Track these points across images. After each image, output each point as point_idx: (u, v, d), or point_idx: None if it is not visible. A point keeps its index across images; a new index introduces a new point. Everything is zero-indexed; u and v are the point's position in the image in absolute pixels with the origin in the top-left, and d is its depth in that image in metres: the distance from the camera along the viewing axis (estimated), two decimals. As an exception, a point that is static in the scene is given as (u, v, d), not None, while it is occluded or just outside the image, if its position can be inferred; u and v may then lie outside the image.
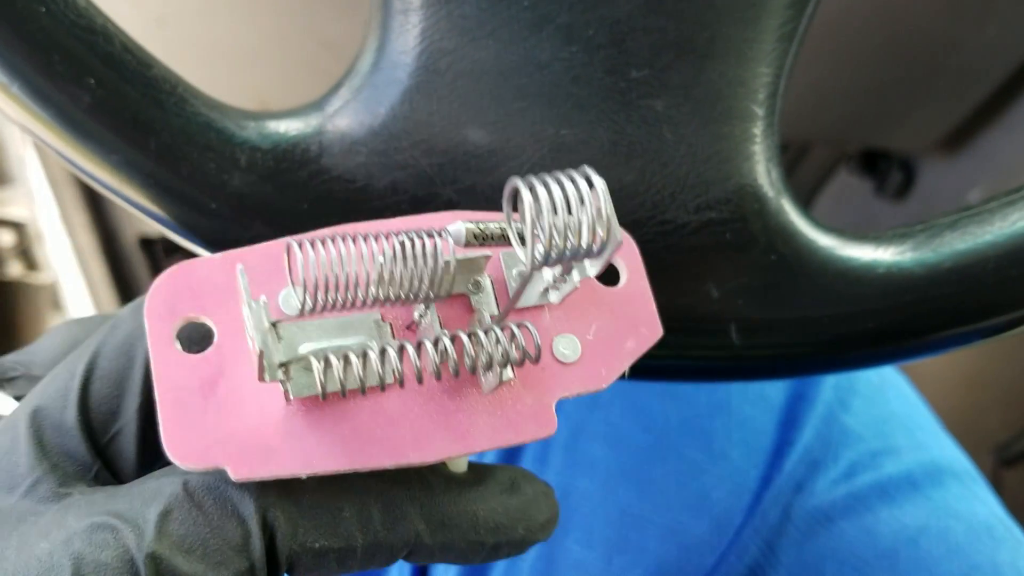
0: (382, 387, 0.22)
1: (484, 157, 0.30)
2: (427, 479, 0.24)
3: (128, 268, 0.86)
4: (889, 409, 0.46)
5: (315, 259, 0.20)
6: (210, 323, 0.23)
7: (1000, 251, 0.30)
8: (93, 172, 0.29)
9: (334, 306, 0.21)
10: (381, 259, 0.21)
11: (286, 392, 0.22)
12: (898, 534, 0.41)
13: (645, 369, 0.32)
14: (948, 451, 0.46)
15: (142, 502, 0.22)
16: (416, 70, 0.29)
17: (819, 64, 0.64)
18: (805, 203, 0.88)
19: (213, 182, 0.29)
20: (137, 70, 0.28)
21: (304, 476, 0.22)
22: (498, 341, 0.22)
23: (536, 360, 0.23)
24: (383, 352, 0.22)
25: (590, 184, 0.20)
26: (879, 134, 0.74)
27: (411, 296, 0.22)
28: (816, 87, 0.66)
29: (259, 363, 0.21)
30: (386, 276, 0.21)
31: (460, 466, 0.26)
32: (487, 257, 0.24)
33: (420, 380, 0.22)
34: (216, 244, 0.29)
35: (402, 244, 0.21)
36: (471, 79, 0.29)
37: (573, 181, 0.20)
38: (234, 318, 0.23)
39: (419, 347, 0.22)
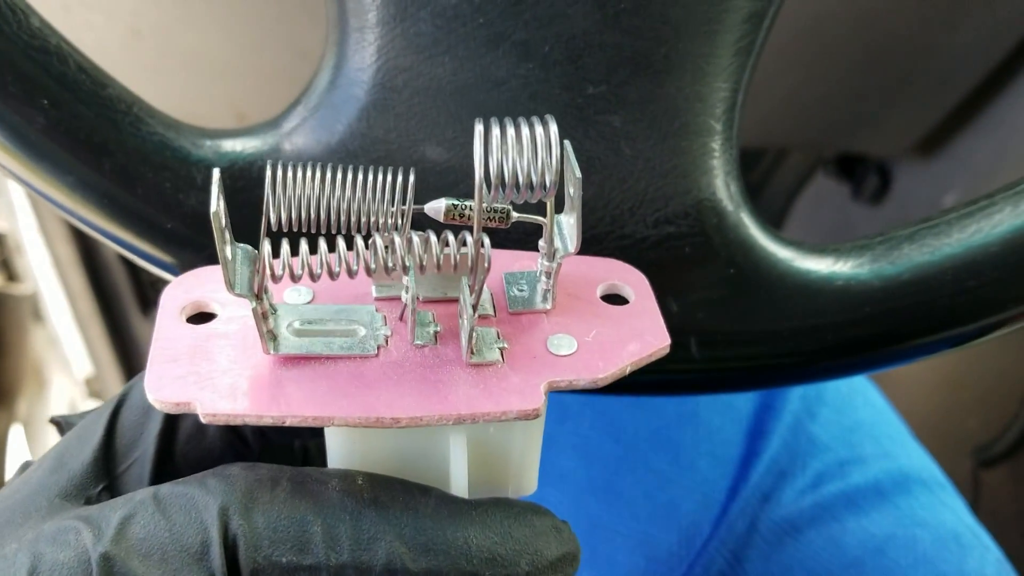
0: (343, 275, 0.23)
1: (442, 174, 0.30)
2: (413, 499, 0.23)
3: (108, 279, 0.86)
4: (857, 418, 0.46)
5: (292, 177, 0.21)
6: (217, 307, 0.25)
7: (958, 262, 0.30)
8: (48, 193, 0.28)
9: (300, 224, 0.22)
10: (350, 191, 0.22)
11: (265, 344, 0.23)
12: (865, 543, 0.41)
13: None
14: (916, 459, 0.46)
15: (111, 508, 0.22)
16: (373, 87, 0.29)
17: (794, 71, 0.64)
18: (782, 208, 0.88)
19: (169, 202, 0.29)
20: (92, 90, 0.28)
21: (271, 421, 0.22)
22: (447, 244, 0.23)
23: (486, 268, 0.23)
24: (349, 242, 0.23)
25: (545, 126, 0.22)
26: (855, 139, 0.74)
27: (371, 223, 0.22)
28: (792, 94, 0.67)
29: (223, 270, 0.21)
30: (355, 205, 0.22)
31: (459, 489, 0.25)
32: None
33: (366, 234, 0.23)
34: (171, 267, 0.29)
35: (366, 175, 0.22)
36: (428, 96, 0.29)
37: (530, 123, 0.22)
38: (241, 306, 0.24)
39: (372, 244, 0.23)
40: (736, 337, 0.31)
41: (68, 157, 0.28)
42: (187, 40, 0.65)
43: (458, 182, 0.30)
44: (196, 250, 0.29)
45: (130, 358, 0.89)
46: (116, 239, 0.29)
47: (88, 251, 0.84)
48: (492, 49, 0.29)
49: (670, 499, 0.42)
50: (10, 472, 1.08)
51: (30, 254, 0.87)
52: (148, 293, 0.86)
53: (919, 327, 0.31)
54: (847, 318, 0.31)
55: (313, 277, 0.23)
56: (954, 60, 0.66)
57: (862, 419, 0.46)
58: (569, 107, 0.29)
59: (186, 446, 0.26)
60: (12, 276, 0.94)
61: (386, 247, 0.23)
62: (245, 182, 0.29)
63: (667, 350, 0.25)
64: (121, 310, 0.86)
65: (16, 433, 1.06)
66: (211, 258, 0.29)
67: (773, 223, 0.92)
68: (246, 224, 0.29)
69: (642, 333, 0.25)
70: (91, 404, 0.93)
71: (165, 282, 0.27)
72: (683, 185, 0.30)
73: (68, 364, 0.92)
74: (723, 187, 0.30)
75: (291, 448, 0.28)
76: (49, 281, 0.86)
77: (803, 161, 0.84)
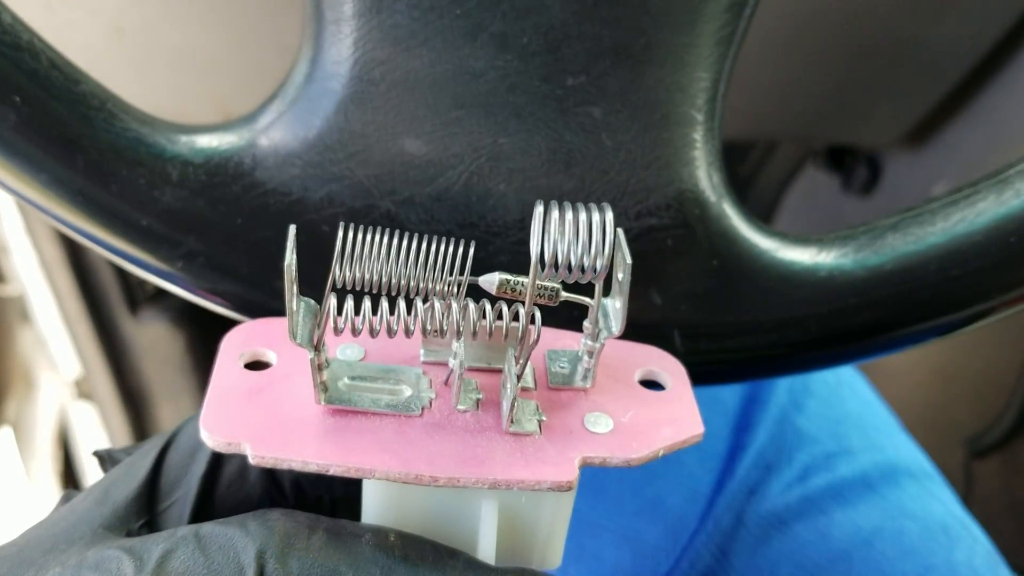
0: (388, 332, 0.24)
1: (422, 167, 0.29)
2: (442, 560, 0.23)
3: (95, 279, 0.85)
4: (844, 409, 0.46)
5: (361, 238, 0.23)
6: (273, 356, 0.26)
7: (942, 252, 0.30)
8: (21, 191, 0.28)
9: (364, 284, 0.23)
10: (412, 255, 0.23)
11: (317, 394, 0.24)
12: (852, 536, 0.41)
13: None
14: (904, 450, 0.46)
15: (153, 541, 0.23)
16: (350, 80, 0.29)
17: (782, 62, 0.64)
18: (772, 201, 0.88)
19: (144, 198, 0.28)
20: (65, 86, 0.28)
21: (316, 468, 0.23)
22: (500, 317, 0.25)
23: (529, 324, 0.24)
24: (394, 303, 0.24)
25: (602, 212, 0.23)
26: (845, 130, 0.74)
27: (429, 289, 0.24)
28: (781, 85, 0.66)
29: (288, 320, 0.22)
30: (416, 271, 0.23)
31: (487, 555, 0.25)
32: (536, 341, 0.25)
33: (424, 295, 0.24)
34: (148, 264, 0.29)
35: (428, 243, 0.23)
36: (406, 89, 0.29)
37: (587, 209, 0.23)
38: (296, 358, 0.26)
39: (429, 307, 0.24)
40: (720, 329, 0.31)
41: (41, 154, 0.27)
42: (171, 37, 0.65)
43: (437, 175, 0.29)
44: (172, 247, 0.29)
45: (119, 359, 0.88)
46: (91, 237, 0.29)
47: (75, 252, 0.84)
48: (470, 40, 0.29)
49: (656, 493, 0.42)
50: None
51: (16, 255, 0.86)
52: (136, 293, 0.85)
53: (903, 317, 0.31)
54: (831, 308, 0.30)
55: (372, 333, 0.24)
56: (942, 50, 0.65)
57: (849, 411, 0.46)
58: (548, 98, 0.29)
59: (226, 491, 0.27)
60: (-1, 277, 0.94)
61: (442, 313, 0.24)
62: (221, 178, 0.29)
63: (700, 438, 0.26)
64: (109, 310, 0.86)
65: (5, 435, 1.06)
66: (187, 255, 0.29)
67: (763, 216, 0.92)
68: (222, 219, 0.29)
69: (676, 419, 0.26)
70: (80, 405, 0.93)
71: (153, 284, 0.27)
72: (665, 176, 0.30)
73: (56, 365, 0.91)
74: (705, 178, 0.30)
75: (323, 503, 0.29)
76: (36, 282, 0.86)
77: (792, 153, 0.84)
